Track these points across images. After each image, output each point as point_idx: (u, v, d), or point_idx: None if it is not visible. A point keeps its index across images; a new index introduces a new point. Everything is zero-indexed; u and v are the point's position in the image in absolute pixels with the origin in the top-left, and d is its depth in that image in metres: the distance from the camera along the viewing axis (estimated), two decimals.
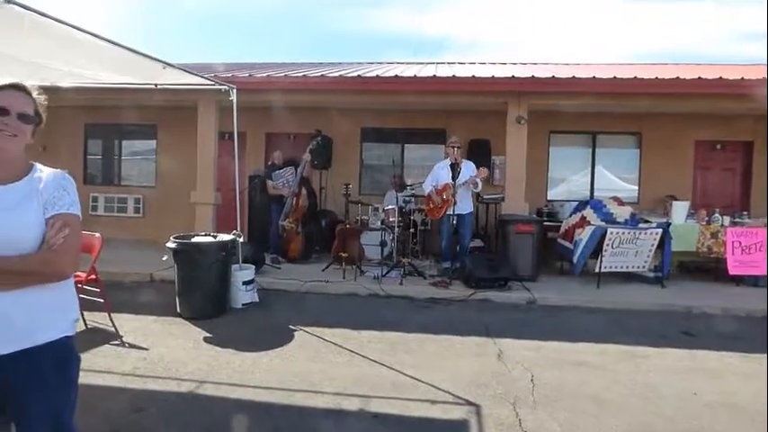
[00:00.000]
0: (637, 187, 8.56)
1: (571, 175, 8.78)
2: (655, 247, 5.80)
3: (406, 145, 9.00)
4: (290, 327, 4.46)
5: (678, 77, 6.21)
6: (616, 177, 8.72)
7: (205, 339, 4.06)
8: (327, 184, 8.61)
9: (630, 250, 5.80)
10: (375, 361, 3.71)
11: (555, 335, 4.41)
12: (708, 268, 6.61)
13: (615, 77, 6.17)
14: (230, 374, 3.38)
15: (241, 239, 4.97)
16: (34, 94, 1.52)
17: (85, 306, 4.34)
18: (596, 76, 6.23)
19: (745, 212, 7.08)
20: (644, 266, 5.92)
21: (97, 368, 3.40)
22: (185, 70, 4.09)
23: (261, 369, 3.49)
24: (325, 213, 8.25)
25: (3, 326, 1.38)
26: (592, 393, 3.26)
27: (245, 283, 4.95)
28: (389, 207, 7.13)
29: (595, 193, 8.61)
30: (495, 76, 6.36)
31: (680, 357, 4.00)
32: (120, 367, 3.44)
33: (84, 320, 4.33)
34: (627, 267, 5.95)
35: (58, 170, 1.57)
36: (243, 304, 4.95)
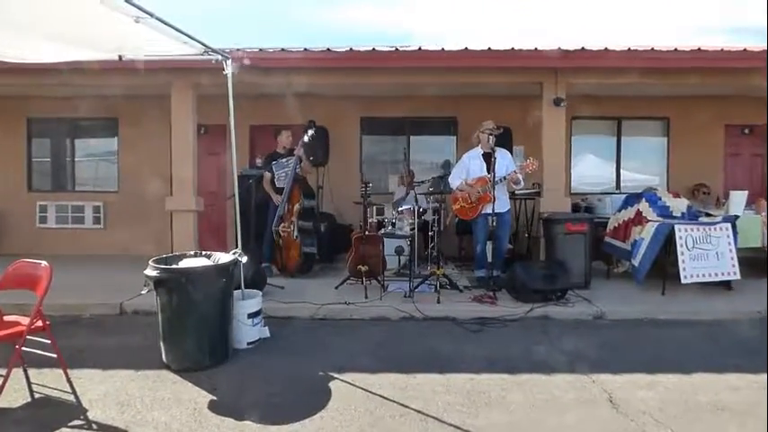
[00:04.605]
0: (665, 176, 7.87)
1: (594, 165, 7.98)
2: (733, 245, 4.97)
3: (411, 137, 7.97)
4: (320, 374, 3.35)
5: (745, 49, 5.41)
6: (642, 165, 7.99)
7: (209, 406, 2.88)
8: (324, 183, 7.49)
9: (710, 252, 4.87)
10: (458, 427, 2.67)
11: (657, 363, 3.50)
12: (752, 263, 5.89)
13: (676, 49, 5.30)
14: None
15: (244, 260, 3.79)
16: None
17: (33, 363, 3.14)
18: (655, 48, 5.34)
19: None
20: (734, 272, 4.92)
21: None
22: (169, 25, 2.87)
23: None
24: (323, 216, 7.10)
25: None
26: None
27: (250, 315, 3.78)
28: (405, 207, 6.13)
29: (621, 184, 7.88)
30: (538, 48, 5.35)
31: None
32: None
33: (31, 388, 3.07)
34: (715, 275, 4.93)
35: None
36: (249, 343, 3.78)
